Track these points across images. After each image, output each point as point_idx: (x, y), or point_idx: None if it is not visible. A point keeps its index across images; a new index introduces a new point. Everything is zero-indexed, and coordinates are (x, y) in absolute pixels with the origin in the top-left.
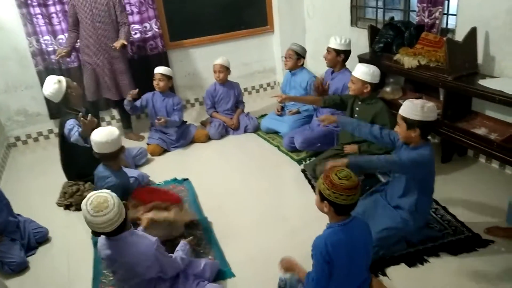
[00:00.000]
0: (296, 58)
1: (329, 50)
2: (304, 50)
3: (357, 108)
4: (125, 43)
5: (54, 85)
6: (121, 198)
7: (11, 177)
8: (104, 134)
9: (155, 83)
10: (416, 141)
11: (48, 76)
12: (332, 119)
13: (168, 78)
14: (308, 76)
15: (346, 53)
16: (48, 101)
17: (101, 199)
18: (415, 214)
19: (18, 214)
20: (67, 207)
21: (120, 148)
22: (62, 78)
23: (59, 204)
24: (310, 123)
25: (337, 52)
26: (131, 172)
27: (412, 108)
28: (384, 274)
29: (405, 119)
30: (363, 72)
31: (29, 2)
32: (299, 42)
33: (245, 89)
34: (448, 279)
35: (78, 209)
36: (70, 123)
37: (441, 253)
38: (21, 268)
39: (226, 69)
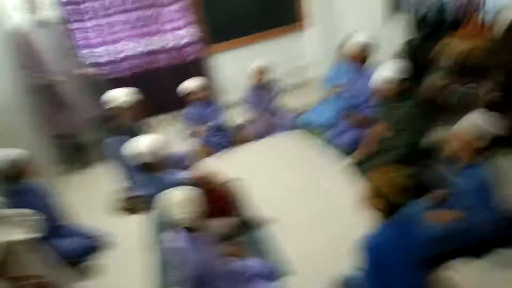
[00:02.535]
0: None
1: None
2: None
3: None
4: None
5: None
6: None
7: (75, 183)
8: (144, 143)
9: (193, 96)
10: (480, 157)
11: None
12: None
13: (205, 88)
14: None
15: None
16: None
17: (179, 196)
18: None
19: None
20: (123, 211)
21: (162, 156)
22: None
23: (115, 209)
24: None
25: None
26: (177, 174)
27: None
28: (450, 268)
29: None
30: (394, 70)
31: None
32: (335, 37)
33: (282, 87)
34: None
35: (133, 213)
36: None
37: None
38: (84, 251)
39: (264, 72)
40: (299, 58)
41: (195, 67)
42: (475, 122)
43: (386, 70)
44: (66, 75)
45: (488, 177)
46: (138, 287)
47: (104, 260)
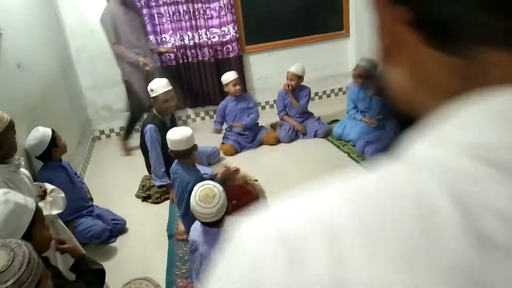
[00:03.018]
0: (365, 77)
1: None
2: (375, 65)
3: None
4: None
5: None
6: None
7: (95, 168)
8: (179, 133)
9: (232, 88)
10: None
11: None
12: None
13: (240, 83)
14: None
15: None
16: None
17: (208, 191)
18: None
19: (96, 206)
20: (144, 199)
21: (193, 146)
22: (157, 86)
23: (137, 196)
24: (383, 130)
25: None
26: (204, 169)
27: None
28: None
29: None
30: None
31: None
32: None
33: (316, 94)
34: None
35: (155, 202)
36: (147, 134)
37: None
38: (104, 234)
39: (298, 78)
40: (341, 65)
41: (235, 64)
42: None
43: None
44: (147, 55)
45: None
46: (154, 274)
47: (122, 244)
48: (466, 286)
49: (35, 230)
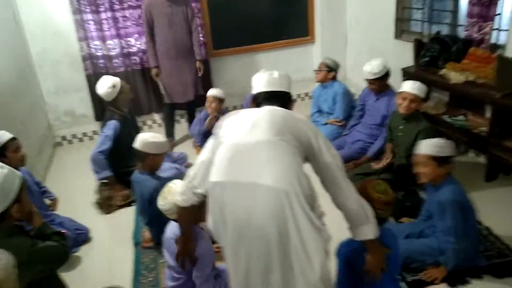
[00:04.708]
0: (327, 71)
1: (372, 81)
2: (337, 64)
3: (400, 127)
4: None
5: (108, 89)
6: None
7: (57, 175)
8: (152, 135)
9: (207, 104)
10: (442, 177)
11: (105, 76)
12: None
13: (220, 100)
14: (339, 87)
15: (386, 76)
16: (94, 103)
17: (167, 188)
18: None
19: (57, 215)
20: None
21: (160, 154)
22: (117, 82)
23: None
24: (346, 135)
25: (380, 78)
26: (167, 166)
27: (440, 145)
28: None
29: (434, 158)
30: (414, 87)
31: (82, 8)
32: (340, 53)
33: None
34: None
35: (108, 211)
36: (110, 126)
37: (484, 275)
38: (69, 243)
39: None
40: (307, 70)
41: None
42: (431, 145)
43: (412, 87)
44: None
45: (450, 199)
46: (120, 283)
47: (86, 253)
48: (218, 210)
49: (23, 194)
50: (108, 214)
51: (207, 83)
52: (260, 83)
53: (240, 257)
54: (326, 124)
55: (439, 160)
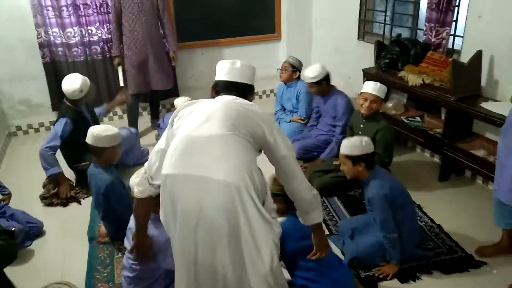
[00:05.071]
0: (292, 71)
1: (311, 85)
2: (301, 64)
3: (361, 126)
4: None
5: (74, 91)
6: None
7: (10, 166)
8: (102, 128)
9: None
10: (364, 174)
11: (75, 75)
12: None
13: None
14: (302, 86)
15: (325, 80)
16: (52, 93)
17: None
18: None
19: (8, 207)
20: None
21: (116, 145)
22: (86, 87)
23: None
24: (309, 131)
25: (318, 82)
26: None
27: (352, 145)
28: None
29: (348, 157)
30: (375, 88)
31: None
32: (305, 52)
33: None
34: None
35: (50, 204)
36: (61, 124)
37: (434, 271)
38: (20, 235)
39: None
40: (272, 67)
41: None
42: (345, 145)
43: (373, 88)
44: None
45: (374, 194)
46: (73, 278)
47: (39, 247)
48: (169, 202)
49: None
50: (49, 207)
51: (173, 76)
52: (221, 71)
53: (190, 250)
54: (290, 121)
55: (352, 159)
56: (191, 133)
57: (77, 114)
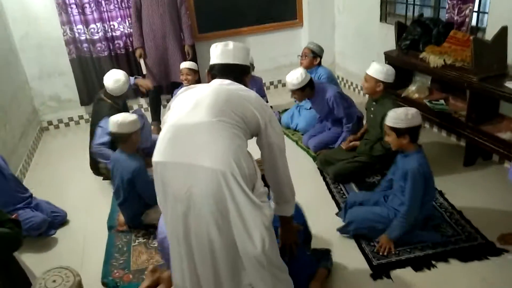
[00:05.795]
0: (312, 57)
1: (294, 92)
2: (321, 49)
3: (372, 109)
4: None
5: (124, 85)
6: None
7: (42, 160)
8: (123, 116)
9: (182, 77)
10: (409, 147)
11: (114, 70)
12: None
13: (195, 72)
14: (323, 72)
15: (308, 86)
16: (79, 88)
17: None
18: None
19: (34, 197)
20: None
21: (134, 132)
22: (128, 80)
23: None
24: (325, 122)
25: (302, 89)
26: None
27: (397, 117)
28: (388, 277)
29: (393, 129)
30: (376, 70)
31: None
32: (328, 38)
33: (272, 83)
34: (454, 286)
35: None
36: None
37: (451, 259)
38: (44, 225)
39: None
40: (295, 54)
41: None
42: (391, 116)
43: (372, 69)
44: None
45: (415, 168)
46: (91, 265)
47: (62, 236)
48: (161, 188)
49: None
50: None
51: None
52: (215, 54)
53: (181, 234)
54: (310, 108)
55: (396, 131)
56: (178, 121)
57: (117, 111)
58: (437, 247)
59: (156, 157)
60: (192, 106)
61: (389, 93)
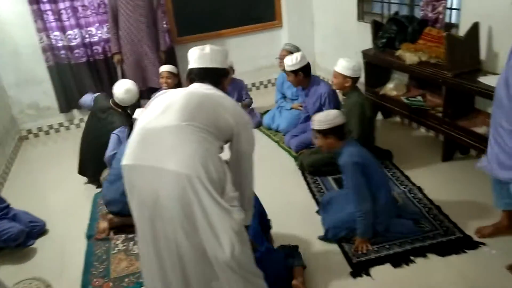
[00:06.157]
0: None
1: (288, 73)
2: (298, 50)
3: (342, 103)
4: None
5: (135, 96)
6: None
7: (21, 169)
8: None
9: (162, 81)
10: (338, 145)
11: (123, 80)
12: None
13: (174, 75)
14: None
15: (301, 71)
16: (58, 95)
17: None
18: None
19: (11, 208)
20: None
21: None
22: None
23: None
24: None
25: (295, 72)
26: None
27: (319, 120)
28: (368, 274)
29: (318, 131)
30: (343, 66)
31: None
32: (308, 38)
33: (253, 84)
34: (433, 281)
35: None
36: (122, 132)
37: (429, 254)
38: (22, 236)
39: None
40: (274, 56)
41: (168, 56)
42: (315, 120)
43: (340, 66)
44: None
45: (346, 161)
46: (71, 274)
47: (41, 246)
48: (129, 191)
49: None
50: None
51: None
52: (192, 59)
53: (149, 240)
54: (291, 109)
55: (322, 133)
56: (147, 125)
57: (131, 119)
58: (416, 242)
59: (125, 160)
60: (162, 109)
61: (357, 87)
